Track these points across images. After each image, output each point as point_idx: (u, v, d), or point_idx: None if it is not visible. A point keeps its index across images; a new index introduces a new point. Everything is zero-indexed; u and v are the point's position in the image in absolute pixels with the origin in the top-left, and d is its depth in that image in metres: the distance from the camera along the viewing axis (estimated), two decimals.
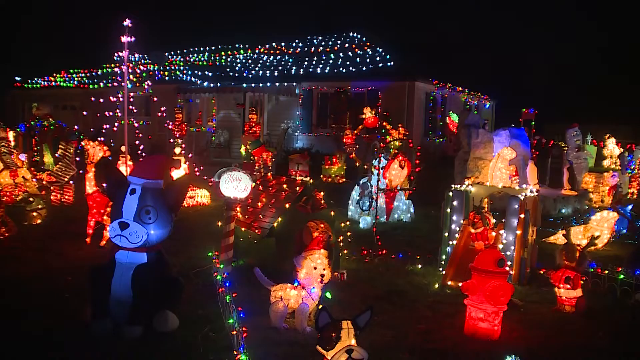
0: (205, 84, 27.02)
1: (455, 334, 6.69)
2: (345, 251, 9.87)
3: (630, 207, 13.89)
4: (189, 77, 28.47)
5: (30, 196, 12.06)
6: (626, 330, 7.12)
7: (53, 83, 33.90)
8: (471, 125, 17.04)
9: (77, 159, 14.44)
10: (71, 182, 14.16)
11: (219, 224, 9.29)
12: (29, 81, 34.34)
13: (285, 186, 9.18)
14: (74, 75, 34.09)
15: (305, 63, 28.12)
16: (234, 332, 5.70)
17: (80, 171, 13.97)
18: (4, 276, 8.15)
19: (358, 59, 26.95)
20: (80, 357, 5.47)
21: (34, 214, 11.68)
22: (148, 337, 6.02)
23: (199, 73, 28.95)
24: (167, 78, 29.05)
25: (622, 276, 8.47)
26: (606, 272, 8.72)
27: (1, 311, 6.65)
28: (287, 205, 8.69)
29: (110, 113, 14.73)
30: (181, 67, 30.97)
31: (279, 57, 30.46)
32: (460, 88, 27.78)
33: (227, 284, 6.89)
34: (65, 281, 7.96)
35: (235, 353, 5.37)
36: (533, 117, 21.13)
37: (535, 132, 20.71)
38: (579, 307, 7.58)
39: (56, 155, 14.27)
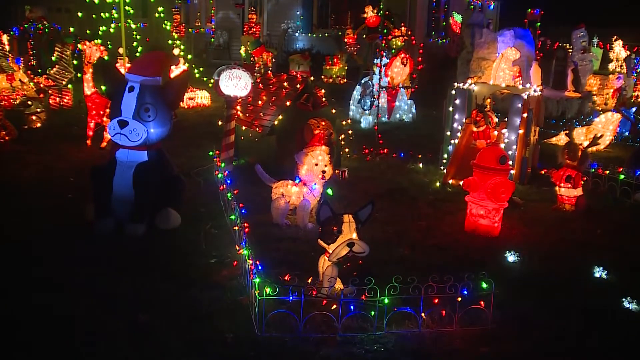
0: None
1: (456, 231, 6.79)
2: (347, 150, 9.86)
3: (634, 109, 13.79)
4: None
5: (29, 99, 11.87)
6: (624, 229, 7.20)
7: None
8: (475, 25, 16.66)
9: (74, 62, 14.19)
10: (69, 85, 13.96)
11: (220, 123, 9.23)
12: None
13: (285, 84, 9.04)
14: None
15: None
16: (236, 228, 5.75)
17: (78, 74, 13.77)
18: (7, 178, 8.16)
19: None
20: (84, 255, 5.52)
21: (33, 117, 11.55)
22: (150, 235, 6.10)
23: None
24: None
25: (622, 176, 8.50)
26: (607, 172, 8.74)
27: (5, 212, 6.69)
28: (288, 103, 8.58)
29: (106, 14, 14.34)
30: None
31: None
32: None
33: (229, 182, 6.90)
34: (68, 182, 7.99)
35: (237, 248, 5.43)
36: (539, 17, 20.48)
37: (540, 34, 20.20)
38: (579, 206, 7.63)
39: (52, 58, 14.00)
